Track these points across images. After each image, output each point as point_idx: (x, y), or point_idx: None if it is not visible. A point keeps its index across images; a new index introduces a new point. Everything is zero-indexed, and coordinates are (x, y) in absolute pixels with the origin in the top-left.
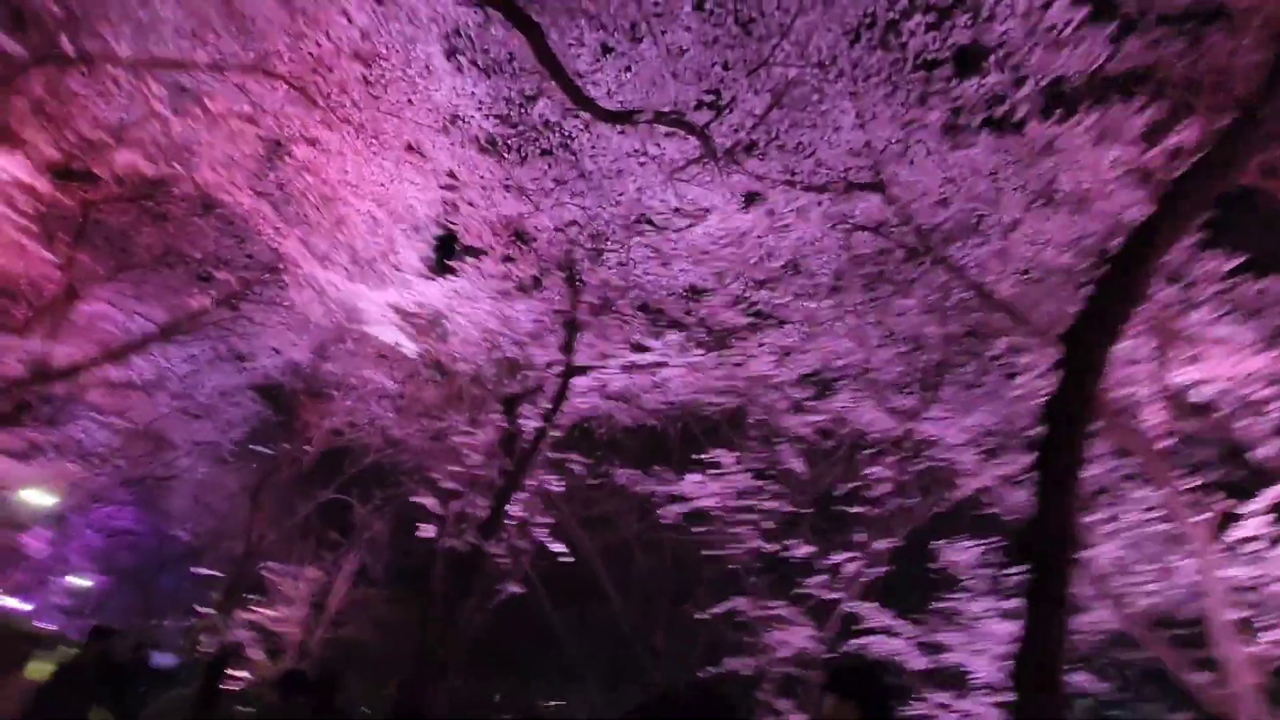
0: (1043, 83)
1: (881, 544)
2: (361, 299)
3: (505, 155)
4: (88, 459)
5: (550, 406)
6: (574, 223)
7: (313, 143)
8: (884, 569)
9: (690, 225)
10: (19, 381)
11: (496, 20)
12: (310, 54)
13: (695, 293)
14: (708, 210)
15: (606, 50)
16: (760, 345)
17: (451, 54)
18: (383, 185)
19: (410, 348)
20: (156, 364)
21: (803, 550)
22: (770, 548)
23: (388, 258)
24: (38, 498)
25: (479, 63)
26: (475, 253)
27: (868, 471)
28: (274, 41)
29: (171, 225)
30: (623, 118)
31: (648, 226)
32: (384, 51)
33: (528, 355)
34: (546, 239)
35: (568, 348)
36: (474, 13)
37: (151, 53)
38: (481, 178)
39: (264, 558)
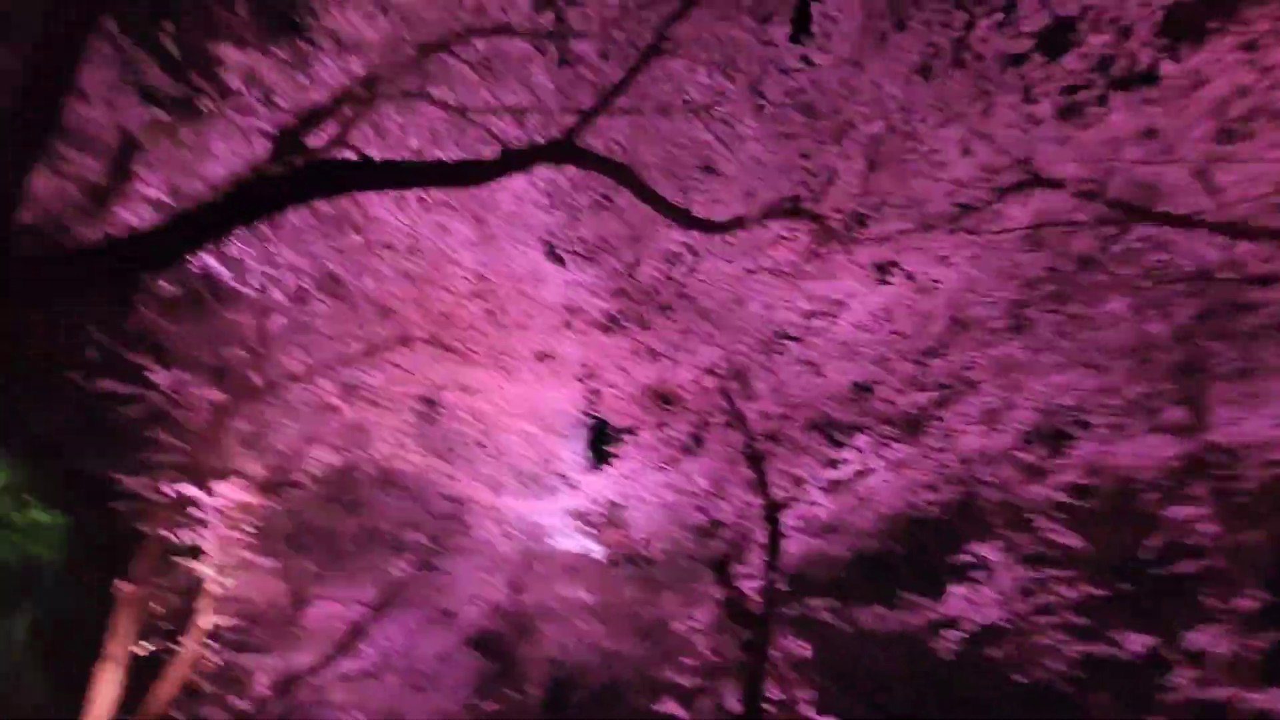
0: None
1: (1243, 601)
2: (537, 514)
3: (628, 327)
4: None
5: (767, 556)
6: (712, 368)
7: (460, 387)
8: (1265, 637)
9: (830, 322)
10: (265, 700)
11: (585, 210)
12: (439, 312)
13: (864, 389)
14: (842, 301)
15: (685, 191)
16: (960, 417)
17: (552, 254)
18: (527, 399)
19: (597, 550)
20: (380, 645)
21: (1136, 639)
22: (1097, 648)
23: (549, 465)
24: None
25: (579, 250)
26: (629, 431)
27: (1170, 515)
28: (409, 314)
29: (365, 508)
30: (733, 225)
31: (788, 341)
32: (495, 280)
33: (719, 512)
34: (692, 392)
35: (760, 484)
36: (562, 214)
37: (319, 361)
38: (612, 357)
39: None
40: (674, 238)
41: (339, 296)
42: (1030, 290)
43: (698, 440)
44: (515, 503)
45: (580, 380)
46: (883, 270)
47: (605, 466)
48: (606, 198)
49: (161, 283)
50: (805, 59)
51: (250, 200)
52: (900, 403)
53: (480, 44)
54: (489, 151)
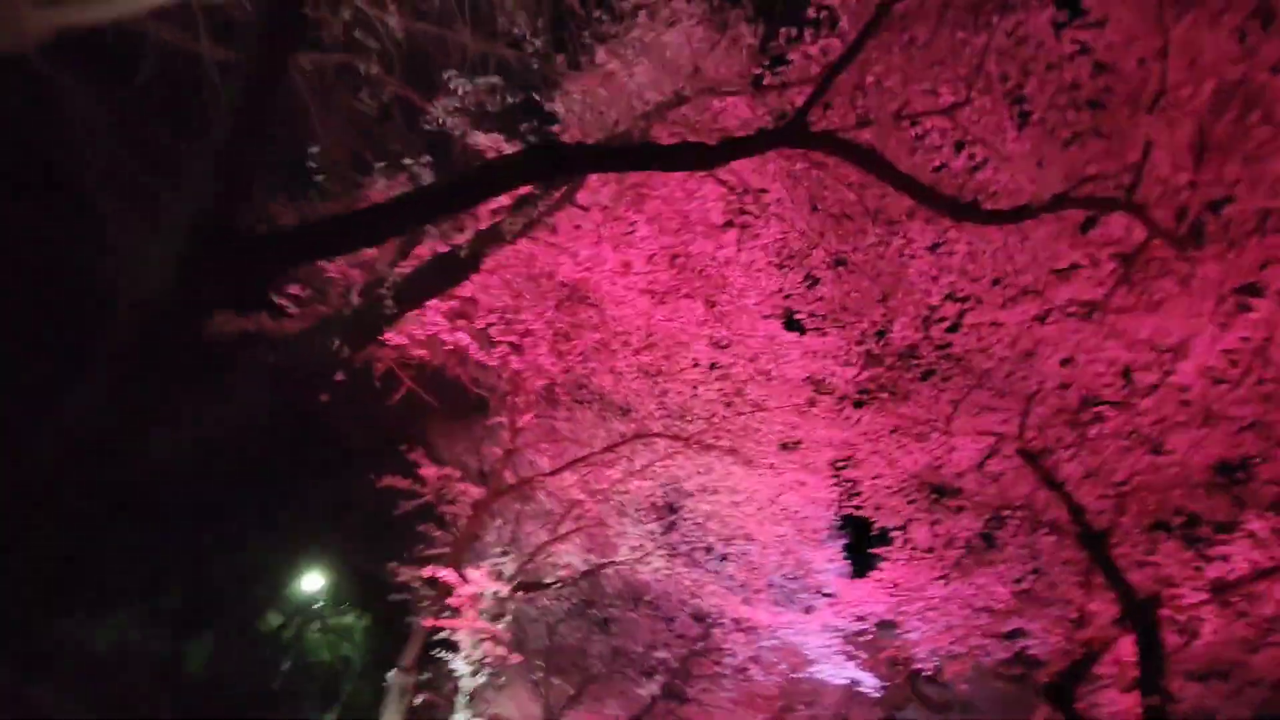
0: None
1: None
2: (793, 632)
3: (885, 397)
4: None
5: (1141, 668)
6: (997, 447)
7: (700, 486)
8: None
9: (1164, 375)
10: None
11: (822, 268)
12: (676, 404)
13: (1233, 468)
14: (1186, 340)
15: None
16: None
17: (790, 322)
18: (774, 496)
19: (868, 681)
20: None
21: None
22: None
23: (804, 574)
24: None
25: (818, 313)
26: (896, 530)
27: None
28: (646, 407)
29: (614, 625)
30: (1018, 214)
31: (1105, 406)
32: (730, 360)
33: (1046, 628)
34: (973, 480)
35: (1119, 589)
36: (796, 276)
37: (563, 459)
38: (869, 438)
39: None
40: (930, 288)
41: (579, 399)
42: None
43: (989, 540)
44: (769, 617)
45: (834, 470)
46: (1242, 294)
47: (870, 575)
48: (842, 255)
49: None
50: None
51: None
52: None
53: None
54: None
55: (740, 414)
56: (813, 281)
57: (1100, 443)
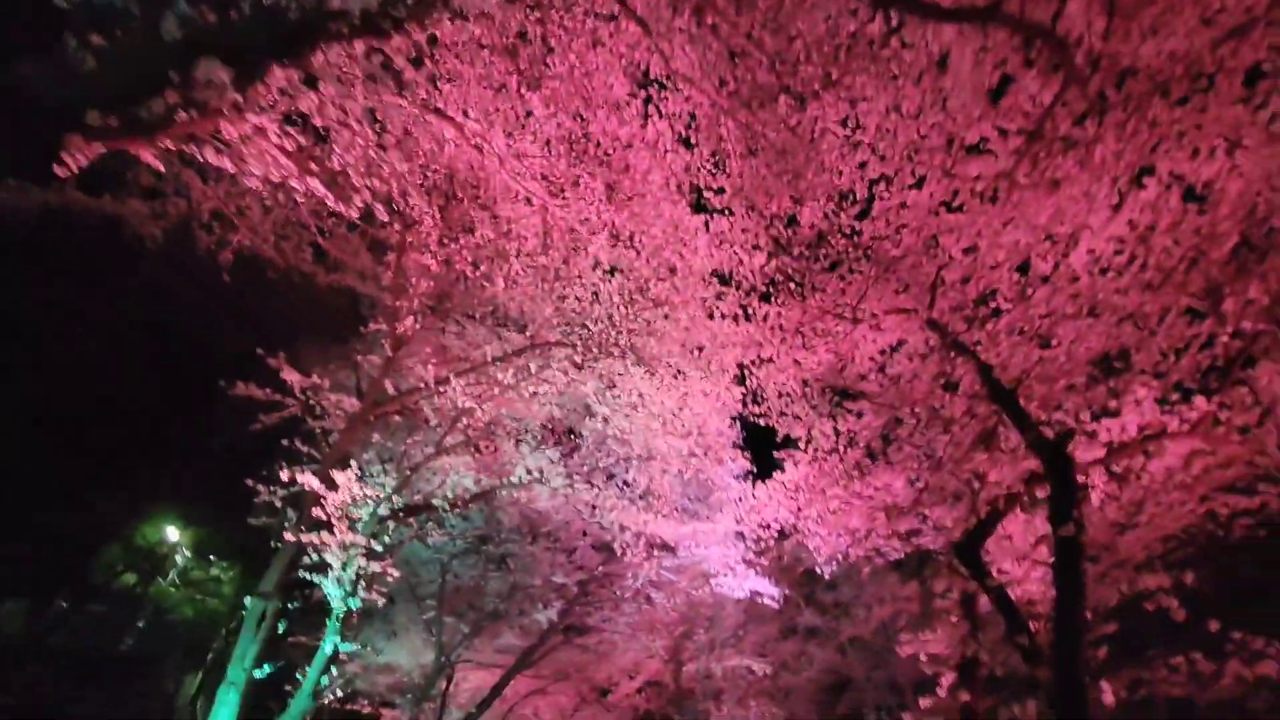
0: None
1: None
2: (696, 543)
3: (793, 289)
4: None
5: (1052, 502)
6: (897, 342)
7: (607, 405)
8: None
9: (1060, 259)
10: None
11: (731, 147)
12: (573, 310)
13: (1116, 361)
14: (1079, 228)
15: None
16: None
17: (697, 204)
18: (679, 409)
19: (771, 592)
20: None
21: None
22: None
23: (710, 490)
24: None
25: (726, 189)
26: (800, 435)
27: None
28: (542, 313)
29: (512, 560)
30: (958, 15)
31: (1001, 300)
32: (634, 253)
33: (942, 515)
34: (875, 381)
35: (1030, 433)
36: (701, 147)
37: (450, 369)
38: (774, 340)
39: None
40: (841, 168)
41: (469, 310)
42: None
43: (887, 441)
44: (672, 533)
45: (739, 376)
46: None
47: (773, 481)
48: (752, 128)
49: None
50: None
51: None
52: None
53: None
54: None
55: (644, 314)
56: (721, 158)
57: (996, 337)
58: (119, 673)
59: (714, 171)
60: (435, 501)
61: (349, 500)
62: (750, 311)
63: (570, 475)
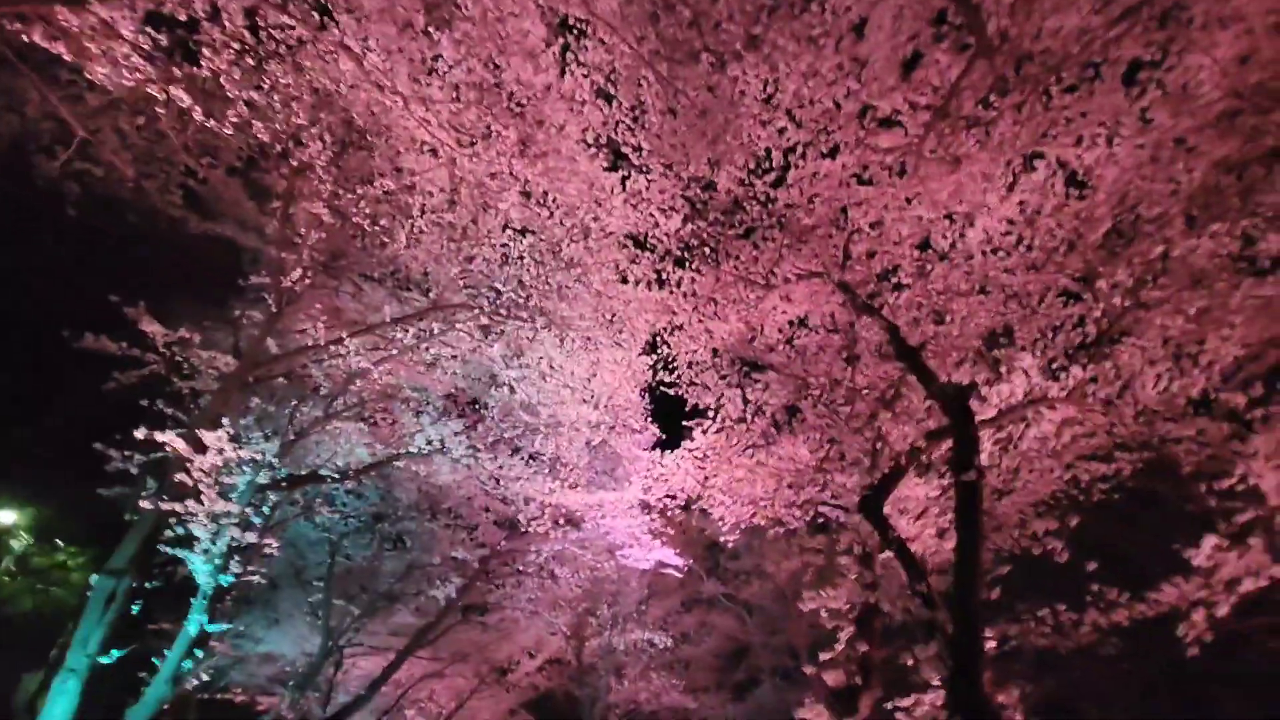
0: None
1: None
2: (603, 513)
3: (707, 254)
4: None
5: (954, 452)
6: (807, 317)
7: (513, 375)
8: None
9: (956, 239)
10: None
11: (651, 102)
12: (472, 273)
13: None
14: (975, 207)
15: None
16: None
17: (613, 163)
18: (589, 379)
19: (675, 561)
20: (430, 711)
21: None
22: None
23: (617, 460)
24: None
25: (644, 147)
26: (708, 405)
27: None
28: (447, 274)
29: (409, 539)
30: None
31: (903, 275)
32: (550, 228)
33: (837, 490)
34: (783, 353)
35: (932, 386)
36: (620, 101)
37: (340, 329)
38: (687, 300)
39: None
40: (758, 134)
41: (366, 268)
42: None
43: (792, 412)
44: (577, 504)
45: (650, 344)
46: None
47: (682, 451)
48: (673, 85)
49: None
50: None
51: None
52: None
53: None
54: None
55: (555, 277)
56: (640, 114)
57: (897, 311)
58: None
59: (632, 128)
60: (324, 472)
61: (220, 465)
62: (664, 276)
63: (474, 446)
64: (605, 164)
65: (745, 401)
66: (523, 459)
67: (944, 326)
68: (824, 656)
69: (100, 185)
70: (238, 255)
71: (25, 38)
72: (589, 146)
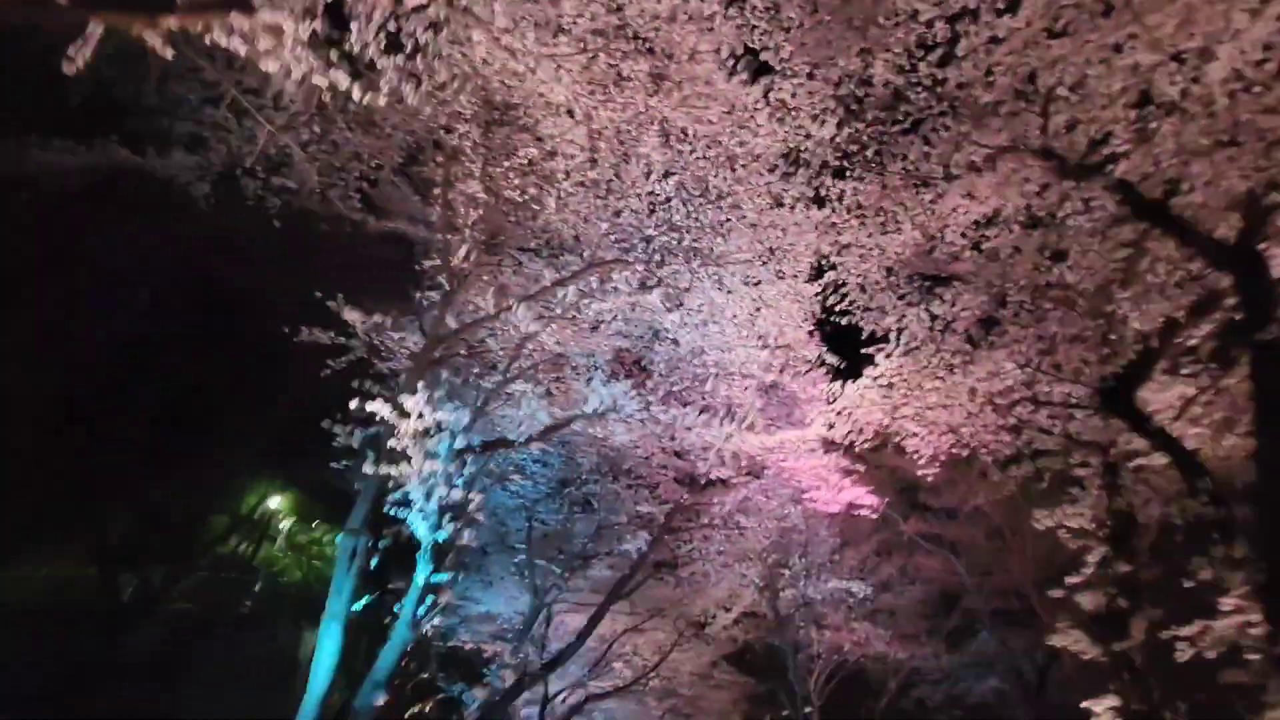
0: None
1: None
2: (785, 456)
3: (869, 158)
4: None
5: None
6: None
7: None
8: None
9: (1191, 80)
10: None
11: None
12: (621, 226)
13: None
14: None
15: None
16: None
17: (754, 76)
18: (753, 316)
19: (869, 501)
20: (635, 665)
21: None
22: None
23: (795, 400)
24: None
25: (786, 54)
26: (888, 329)
27: None
28: (597, 231)
29: (596, 501)
30: None
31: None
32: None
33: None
34: (969, 262)
35: (1198, 241)
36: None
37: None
38: (851, 215)
39: None
40: (917, 7)
41: (520, 240)
42: None
43: (989, 326)
44: (759, 442)
45: (815, 271)
46: None
47: (864, 381)
48: None
49: None
50: None
51: None
52: None
53: None
54: None
55: (705, 215)
56: (776, 12)
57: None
58: (233, 632)
59: (769, 30)
60: (510, 437)
61: (422, 430)
62: (823, 192)
63: (645, 400)
64: (744, 79)
65: (932, 319)
66: (695, 409)
67: (1181, 198)
68: (1072, 581)
69: (294, 198)
70: (410, 247)
71: (208, 40)
72: (725, 64)
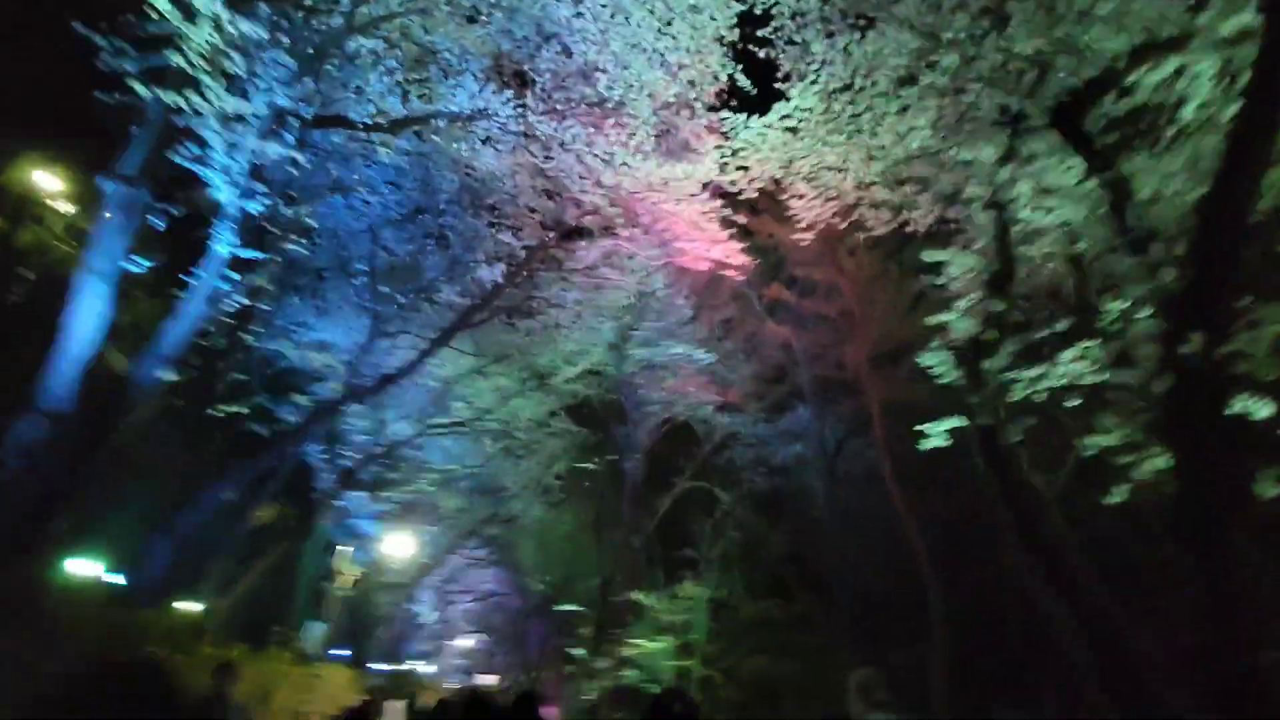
0: None
1: None
2: (668, 207)
3: None
4: (440, 519)
5: None
6: None
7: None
8: None
9: None
10: (371, 455)
11: None
12: None
13: None
14: None
15: None
16: None
17: None
18: (660, 29)
19: (738, 261)
20: (472, 406)
21: None
22: None
23: (688, 133)
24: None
25: None
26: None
27: None
28: None
29: (452, 234)
30: None
31: None
32: None
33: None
34: None
35: None
36: None
37: None
38: None
39: (620, 590)
40: None
41: None
42: None
43: (910, 82)
44: (643, 173)
45: None
46: None
47: (770, 119)
48: None
49: None
50: None
51: None
52: None
53: None
54: None
55: None
56: None
57: None
58: None
59: None
60: (353, 116)
61: (223, 48)
62: None
63: (522, 106)
64: None
65: (858, 60)
66: (575, 139)
67: None
68: (947, 316)
69: None
70: None
71: None
72: None
